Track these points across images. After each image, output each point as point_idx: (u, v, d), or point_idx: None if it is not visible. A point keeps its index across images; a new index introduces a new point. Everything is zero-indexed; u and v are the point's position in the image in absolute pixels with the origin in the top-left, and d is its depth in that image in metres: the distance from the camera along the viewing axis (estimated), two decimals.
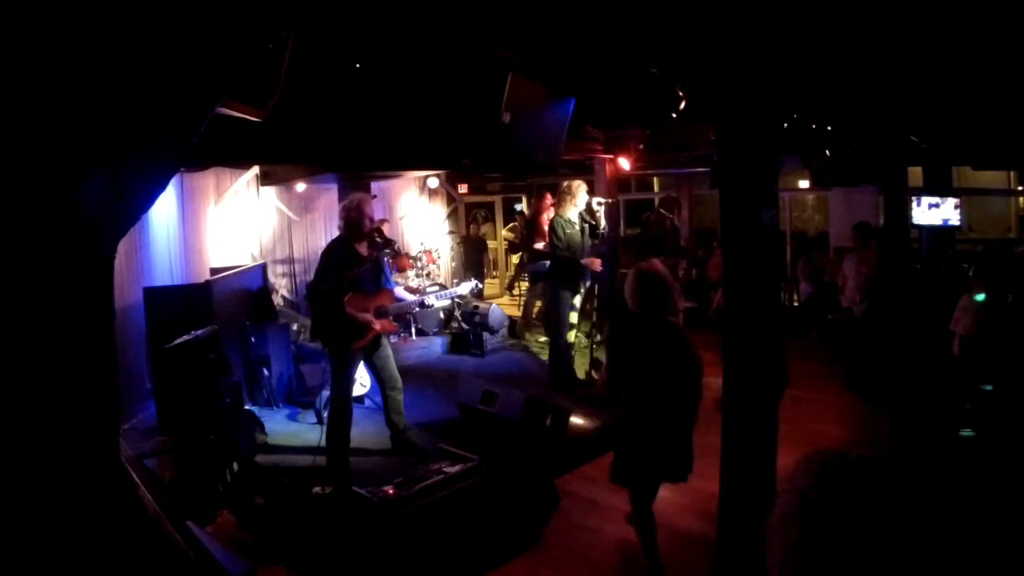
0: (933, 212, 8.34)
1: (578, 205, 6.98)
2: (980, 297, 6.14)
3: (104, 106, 1.93)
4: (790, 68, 3.62)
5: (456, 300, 9.47)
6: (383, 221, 9.85)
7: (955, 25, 3.62)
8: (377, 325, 5.19)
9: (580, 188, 7.01)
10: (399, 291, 5.70)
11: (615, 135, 8.72)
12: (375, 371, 5.45)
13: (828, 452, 1.09)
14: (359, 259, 5.16)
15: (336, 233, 5.46)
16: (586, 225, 7.01)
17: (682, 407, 3.79)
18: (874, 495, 1.01)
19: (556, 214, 7.07)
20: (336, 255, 5.18)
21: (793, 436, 5.06)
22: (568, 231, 6.91)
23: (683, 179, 13.04)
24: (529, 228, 9.77)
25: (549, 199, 9.16)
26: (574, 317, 7.21)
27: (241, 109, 3.45)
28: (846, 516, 0.99)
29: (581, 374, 7.38)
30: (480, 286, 8.15)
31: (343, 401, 5.18)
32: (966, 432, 5.25)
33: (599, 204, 7.23)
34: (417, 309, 6.75)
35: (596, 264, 7.02)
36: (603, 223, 7.28)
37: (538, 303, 10.12)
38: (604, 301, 8.64)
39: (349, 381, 5.27)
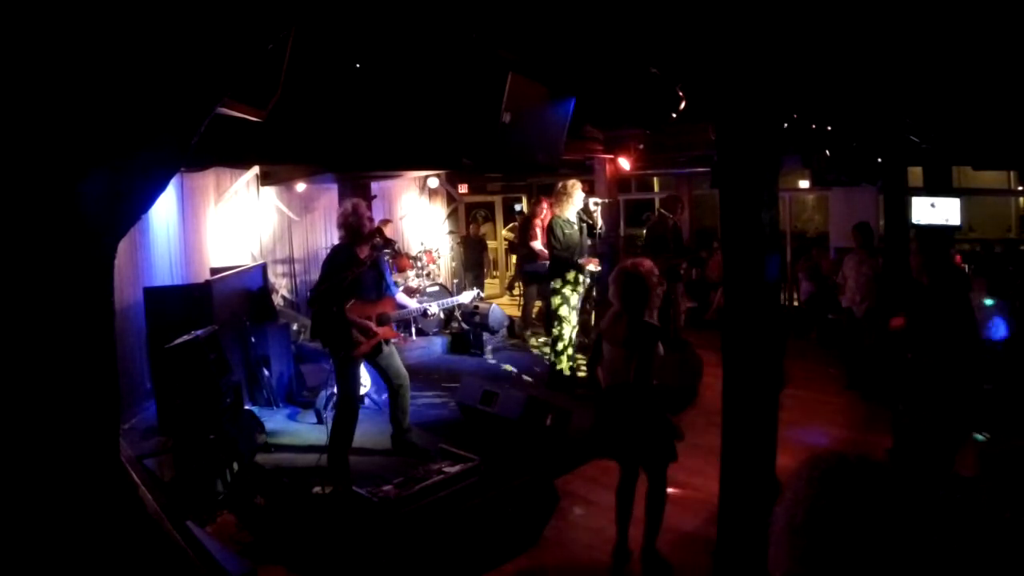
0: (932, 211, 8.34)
1: (575, 204, 6.97)
2: (989, 301, 6.12)
3: (104, 106, 1.93)
4: (790, 68, 3.62)
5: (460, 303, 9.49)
6: (386, 222, 9.86)
7: (955, 25, 3.62)
8: (380, 333, 5.21)
9: (576, 187, 7.01)
10: (401, 297, 5.70)
11: (615, 135, 8.73)
12: (380, 371, 5.44)
13: (827, 457, 1.08)
14: (358, 260, 5.16)
15: (336, 234, 5.46)
16: (584, 225, 7.01)
17: (636, 397, 3.97)
18: (876, 498, 1.01)
19: (554, 215, 7.07)
20: (338, 260, 5.19)
21: (793, 436, 5.08)
22: (567, 231, 6.91)
23: (683, 179, 13.04)
24: (523, 230, 9.76)
25: (546, 204, 9.19)
26: (574, 317, 7.20)
27: (241, 109, 3.46)
28: (854, 526, 0.99)
29: (581, 373, 7.37)
30: (482, 295, 8.17)
31: (351, 402, 5.19)
32: (979, 437, 5.25)
33: (596, 204, 7.23)
34: (420, 317, 6.76)
35: (593, 264, 7.02)
36: (600, 223, 7.27)
37: (537, 303, 10.11)
38: (604, 302, 8.64)
39: (355, 383, 5.27)
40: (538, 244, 8.78)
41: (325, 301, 5.04)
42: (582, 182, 7.37)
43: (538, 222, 9.12)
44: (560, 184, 7.12)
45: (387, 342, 5.36)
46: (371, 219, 5.33)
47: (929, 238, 8.19)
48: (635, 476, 4.06)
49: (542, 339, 9.36)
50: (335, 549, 4.23)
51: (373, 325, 5.18)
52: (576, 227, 6.96)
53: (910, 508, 1.00)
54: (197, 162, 6.92)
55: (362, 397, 6.46)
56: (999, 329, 6.25)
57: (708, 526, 4.07)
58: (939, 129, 6.80)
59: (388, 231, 9.86)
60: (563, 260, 6.90)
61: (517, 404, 5.54)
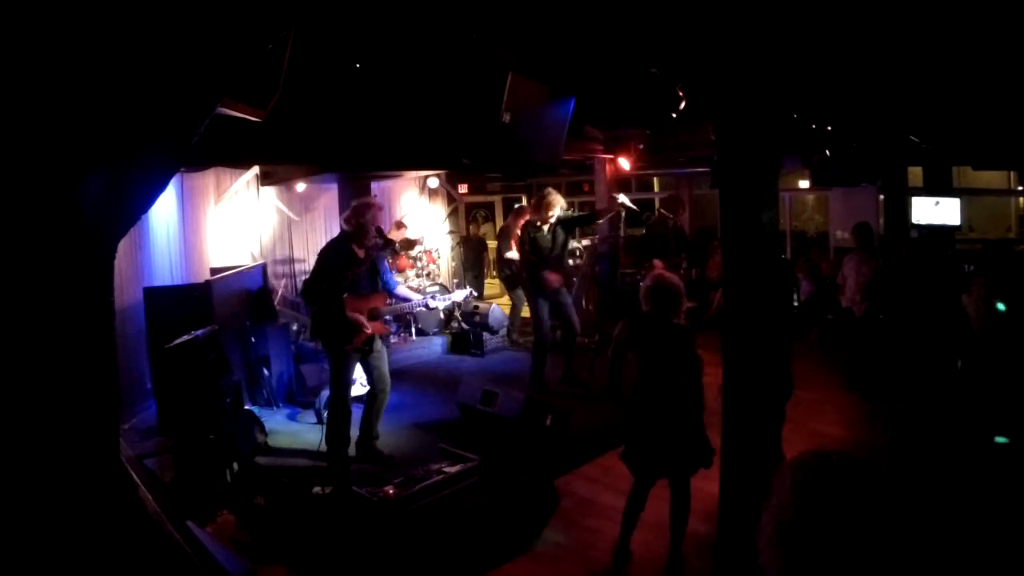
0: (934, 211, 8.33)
1: (556, 212, 6.96)
2: (1001, 306, 6.07)
3: (104, 106, 1.93)
4: (790, 68, 3.62)
5: (455, 302, 9.46)
6: (400, 224, 9.83)
7: (955, 25, 3.62)
8: (369, 328, 5.22)
9: (552, 195, 6.99)
10: (402, 290, 5.70)
11: (615, 135, 8.74)
12: (367, 371, 5.46)
13: (809, 460, 1.08)
14: (358, 260, 5.18)
15: (336, 232, 5.47)
16: (558, 230, 6.98)
17: (681, 402, 3.93)
18: (860, 499, 1.00)
19: (528, 221, 7.11)
20: (333, 256, 5.20)
21: (793, 436, 5.07)
22: (535, 236, 6.94)
23: (683, 179, 13.04)
24: (500, 239, 9.70)
25: (526, 217, 9.18)
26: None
27: (241, 109, 3.46)
28: (840, 529, 0.98)
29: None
30: (475, 293, 8.15)
31: (342, 401, 5.19)
32: (1000, 439, 5.24)
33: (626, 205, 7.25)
34: (420, 309, 6.75)
35: (554, 280, 6.93)
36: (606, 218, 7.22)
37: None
38: (604, 301, 8.64)
39: (347, 382, 5.27)
40: (512, 254, 8.78)
41: (326, 300, 5.06)
42: (582, 182, 7.37)
43: (517, 232, 9.11)
44: (541, 192, 7.13)
45: (380, 341, 5.37)
46: (380, 228, 5.34)
47: (924, 241, 8.22)
48: (651, 484, 4.05)
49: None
50: (335, 549, 4.23)
51: (364, 320, 5.20)
52: (547, 233, 6.96)
53: (896, 507, 1.00)
54: (197, 162, 6.91)
55: (363, 397, 6.47)
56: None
57: (708, 526, 4.07)
58: (939, 129, 6.80)
59: (398, 233, 9.85)
60: (533, 266, 6.94)
61: (517, 404, 5.54)
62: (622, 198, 7.29)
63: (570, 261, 9.55)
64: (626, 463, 4.06)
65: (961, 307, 5.21)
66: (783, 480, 1.07)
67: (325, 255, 5.27)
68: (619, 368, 4.11)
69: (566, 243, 7.19)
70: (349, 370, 5.27)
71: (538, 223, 6.94)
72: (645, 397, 3.97)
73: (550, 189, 7.13)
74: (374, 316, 5.29)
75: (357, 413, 5.51)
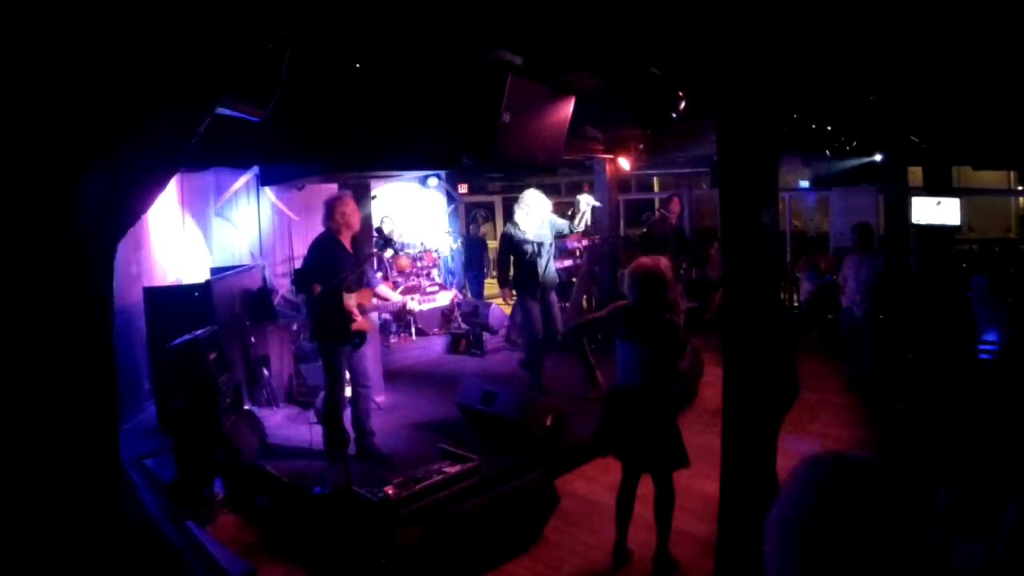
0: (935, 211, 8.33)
1: (529, 212, 6.96)
2: None
3: (103, 105, 1.93)
4: (790, 67, 3.62)
5: (454, 300, 9.47)
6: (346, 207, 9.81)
7: (954, 25, 3.62)
8: (359, 318, 5.29)
9: (528, 195, 7.00)
10: (383, 289, 5.75)
11: (615, 135, 8.73)
12: (349, 368, 5.49)
13: (826, 461, 1.07)
14: (352, 258, 5.24)
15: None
16: (544, 232, 6.98)
17: (663, 398, 3.95)
18: (876, 503, 1.00)
19: (509, 223, 7.15)
20: (324, 251, 5.26)
21: (794, 436, 5.07)
22: (518, 237, 6.96)
23: (683, 179, 13.04)
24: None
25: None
26: None
27: (241, 109, 3.46)
28: (854, 532, 0.98)
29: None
30: (461, 296, 8.16)
31: (337, 395, 5.29)
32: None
33: (588, 204, 7.17)
34: (410, 310, 6.77)
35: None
36: (580, 221, 7.20)
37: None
38: (604, 301, 8.64)
39: (342, 377, 5.33)
40: None
41: (326, 299, 5.09)
42: (582, 182, 7.37)
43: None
44: (522, 195, 7.13)
45: (363, 340, 5.39)
46: (350, 220, 5.38)
47: (928, 238, 8.22)
48: (637, 478, 4.06)
49: None
50: (335, 549, 4.23)
51: (357, 312, 5.26)
52: (528, 234, 6.94)
53: (911, 512, 1.00)
54: (197, 162, 6.92)
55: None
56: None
57: (708, 526, 4.07)
58: (939, 129, 6.80)
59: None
60: (521, 267, 6.99)
61: (517, 404, 5.54)
62: (585, 197, 7.27)
63: (568, 261, 9.57)
64: (598, 451, 4.13)
65: (969, 307, 5.19)
66: (798, 477, 1.06)
67: (316, 250, 5.36)
68: (588, 324, 4.53)
69: (551, 245, 7.18)
70: (343, 366, 5.31)
71: (520, 226, 6.96)
72: (619, 387, 4.00)
73: (531, 191, 7.09)
74: (360, 312, 5.34)
75: (353, 415, 5.51)
